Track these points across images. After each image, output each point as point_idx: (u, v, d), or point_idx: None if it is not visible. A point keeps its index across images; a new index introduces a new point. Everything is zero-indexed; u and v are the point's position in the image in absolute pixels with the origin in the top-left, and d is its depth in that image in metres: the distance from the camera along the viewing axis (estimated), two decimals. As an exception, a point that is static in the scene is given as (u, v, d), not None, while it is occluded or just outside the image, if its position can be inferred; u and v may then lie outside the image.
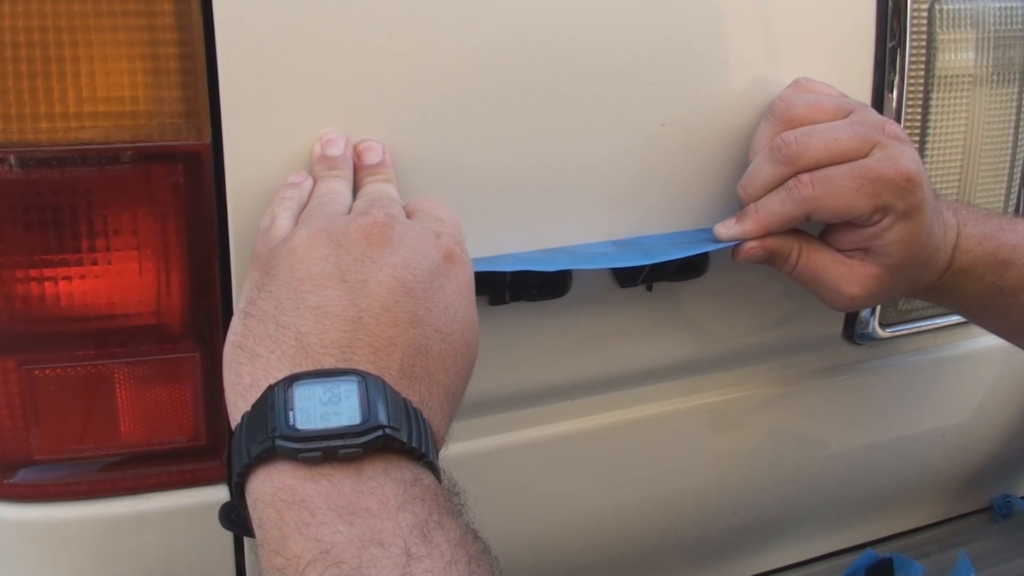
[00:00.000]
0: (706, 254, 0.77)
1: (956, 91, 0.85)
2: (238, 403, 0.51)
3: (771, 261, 0.73)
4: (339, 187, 0.61)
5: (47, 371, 0.63)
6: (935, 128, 0.86)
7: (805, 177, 0.69)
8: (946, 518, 1.09)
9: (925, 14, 0.82)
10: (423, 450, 0.49)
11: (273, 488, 0.46)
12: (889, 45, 0.81)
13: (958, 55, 0.84)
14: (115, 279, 0.62)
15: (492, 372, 0.73)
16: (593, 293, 0.76)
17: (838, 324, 0.89)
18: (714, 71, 0.74)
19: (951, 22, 0.83)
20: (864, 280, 0.71)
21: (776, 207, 0.70)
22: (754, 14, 0.75)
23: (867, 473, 0.99)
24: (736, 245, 0.72)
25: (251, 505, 0.48)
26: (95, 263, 0.61)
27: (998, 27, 0.85)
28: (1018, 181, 0.92)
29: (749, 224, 0.71)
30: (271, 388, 0.49)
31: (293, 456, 0.46)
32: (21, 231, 0.60)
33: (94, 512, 0.68)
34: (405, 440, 0.48)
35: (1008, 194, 0.92)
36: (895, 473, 1.01)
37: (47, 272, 0.61)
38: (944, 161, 0.87)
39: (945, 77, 0.84)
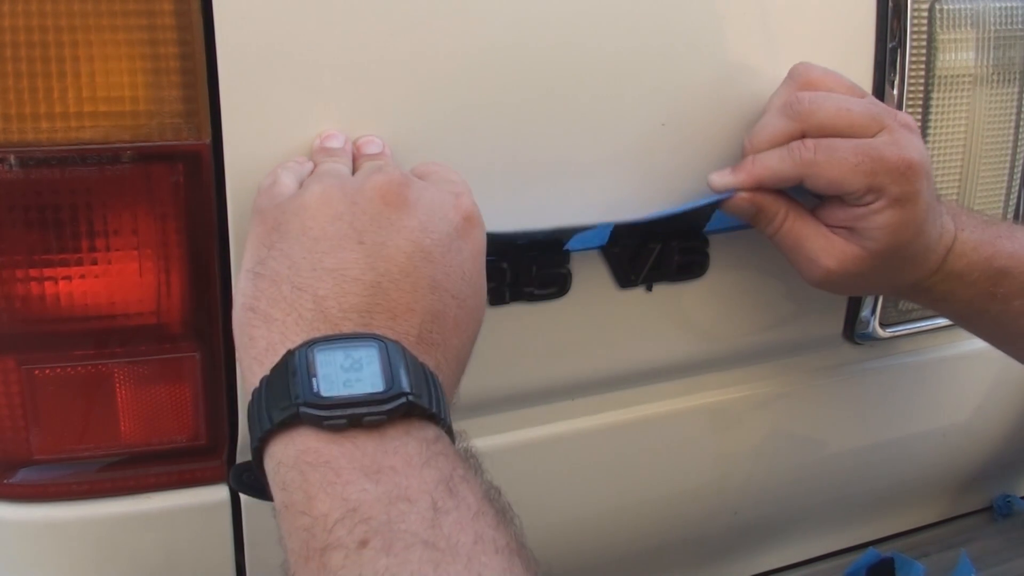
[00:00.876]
0: (706, 256, 0.78)
1: (956, 91, 0.85)
2: (253, 367, 0.50)
3: (757, 218, 0.73)
4: (340, 166, 0.60)
5: (47, 371, 0.63)
6: (935, 128, 0.86)
7: (810, 141, 0.69)
8: (946, 518, 1.10)
9: (925, 14, 0.82)
10: (442, 415, 0.49)
11: (296, 451, 0.46)
12: (889, 45, 0.81)
13: (958, 55, 0.84)
14: (115, 279, 0.62)
15: (492, 372, 0.73)
16: (593, 293, 0.76)
17: (838, 324, 0.89)
18: (714, 71, 0.74)
19: (951, 22, 0.83)
20: (842, 257, 0.71)
21: (774, 162, 0.70)
22: (754, 14, 0.75)
23: (867, 473, 0.99)
24: (727, 198, 0.72)
25: (273, 468, 0.48)
26: (95, 263, 0.61)
27: (998, 27, 0.85)
28: (1018, 181, 0.92)
29: (743, 174, 0.71)
30: (291, 353, 0.48)
31: (318, 423, 0.46)
32: (21, 231, 0.60)
33: (94, 512, 0.68)
34: (427, 406, 0.48)
35: (1008, 194, 0.92)
36: (895, 473, 1.01)
37: (47, 272, 0.61)
38: (944, 161, 0.87)
39: (945, 77, 0.84)
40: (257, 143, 0.62)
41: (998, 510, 1.11)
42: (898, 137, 0.69)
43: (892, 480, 1.01)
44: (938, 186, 0.87)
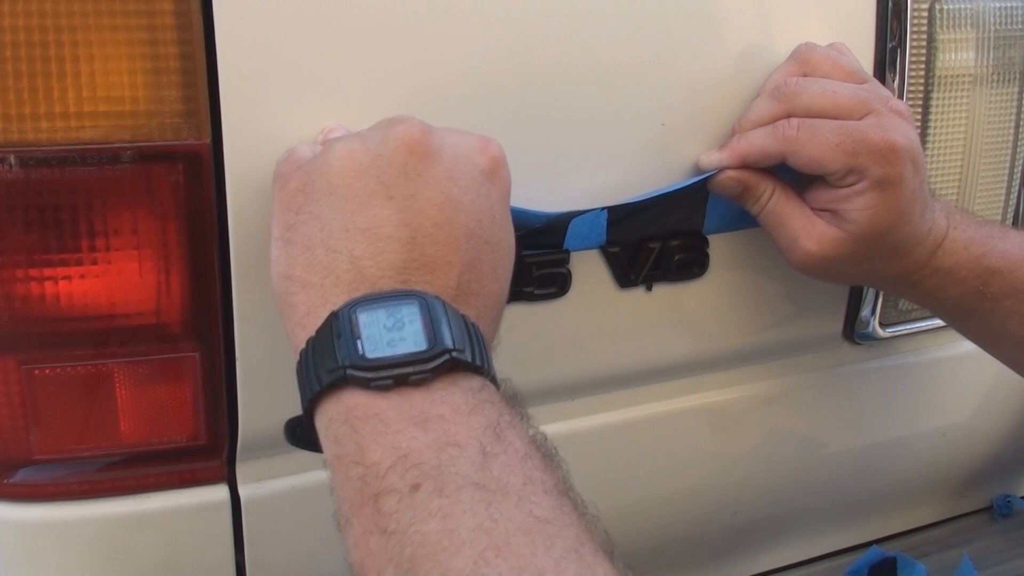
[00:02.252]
0: (706, 256, 0.78)
1: (956, 91, 0.85)
2: (297, 331, 0.51)
3: (744, 196, 0.73)
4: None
5: (47, 371, 0.63)
6: (935, 128, 0.86)
7: (794, 120, 0.70)
8: (946, 518, 1.10)
9: (925, 14, 0.82)
10: (486, 366, 0.49)
11: (346, 407, 0.47)
12: (889, 45, 0.81)
13: (958, 55, 0.84)
14: (115, 279, 0.62)
15: (492, 372, 0.73)
16: (593, 293, 0.76)
17: (838, 324, 0.89)
18: (714, 71, 0.74)
19: (951, 22, 0.83)
20: (822, 239, 0.71)
21: (757, 139, 0.71)
22: (754, 14, 0.75)
23: (867, 473, 0.99)
24: (714, 175, 0.73)
25: (324, 425, 0.49)
26: (95, 263, 0.61)
27: (998, 27, 0.85)
28: (1018, 181, 0.92)
29: (728, 152, 0.72)
30: (334, 315, 0.49)
31: (365, 384, 0.47)
32: (21, 231, 0.60)
33: (94, 512, 0.68)
34: (470, 360, 0.48)
35: (1008, 194, 0.92)
36: (895, 473, 1.01)
37: (47, 272, 0.61)
38: (944, 161, 0.87)
39: (945, 77, 0.84)
40: (257, 143, 0.62)
41: (998, 510, 1.11)
42: (885, 121, 0.69)
43: (892, 480, 1.01)
44: (938, 186, 0.87)
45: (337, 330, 0.48)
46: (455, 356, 0.48)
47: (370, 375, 0.47)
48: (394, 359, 0.47)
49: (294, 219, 0.53)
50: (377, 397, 0.47)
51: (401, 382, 0.47)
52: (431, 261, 0.51)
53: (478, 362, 0.49)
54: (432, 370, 0.47)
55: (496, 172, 0.55)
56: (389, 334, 0.47)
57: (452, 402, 0.47)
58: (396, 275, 0.50)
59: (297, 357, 0.50)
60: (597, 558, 0.43)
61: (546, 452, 0.48)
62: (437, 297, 0.49)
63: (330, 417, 0.48)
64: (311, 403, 0.49)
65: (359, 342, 0.47)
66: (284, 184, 0.55)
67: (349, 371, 0.47)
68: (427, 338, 0.47)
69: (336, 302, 0.49)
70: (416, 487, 0.44)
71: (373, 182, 0.52)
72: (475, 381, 0.49)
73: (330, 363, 0.48)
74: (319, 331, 0.49)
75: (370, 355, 0.47)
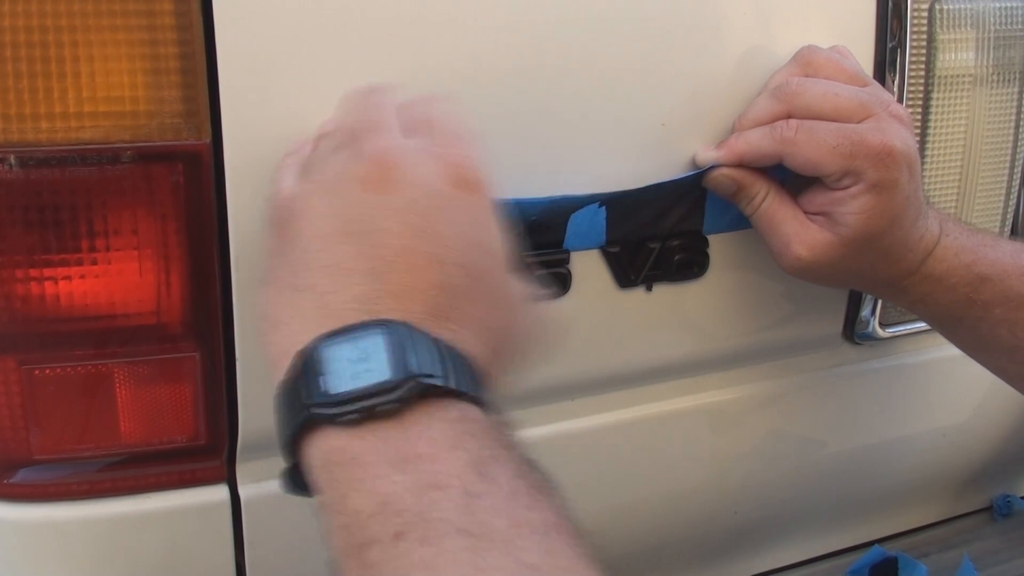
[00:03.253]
0: (706, 256, 0.78)
1: (956, 91, 0.85)
2: (274, 374, 0.50)
3: (737, 195, 0.73)
4: (327, 153, 0.57)
5: (47, 371, 0.63)
6: (935, 128, 0.86)
7: (793, 121, 0.70)
8: (946, 518, 1.10)
9: (925, 14, 0.82)
10: (462, 388, 0.48)
11: (323, 452, 0.46)
12: (889, 45, 0.81)
13: (958, 55, 0.84)
14: (115, 279, 0.62)
15: (492, 372, 0.73)
16: (593, 293, 0.76)
17: (838, 324, 0.89)
18: (714, 71, 0.74)
19: (951, 22, 0.83)
20: (813, 244, 0.71)
21: (754, 139, 0.71)
22: (753, 14, 0.75)
23: (867, 473, 0.99)
24: (709, 171, 0.73)
25: (308, 471, 0.48)
26: (95, 263, 0.61)
27: (998, 27, 0.85)
28: (1018, 181, 0.92)
29: (725, 150, 0.72)
30: (299, 354, 0.48)
31: (332, 421, 0.46)
32: (21, 231, 0.60)
33: (94, 512, 0.68)
34: (441, 383, 0.47)
35: (1008, 194, 0.92)
36: (895, 473, 1.01)
37: (47, 272, 0.61)
38: (944, 161, 0.87)
39: (945, 77, 0.84)
40: (257, 143, 0.62)
41: (998, 510, 1.11)
42: (884, 124, 0.69)
43: (892, 480, 1.01)
44: (938, 186, 0.87)
45: (300, 369, 0.47)
46: (423, 381, 0.46)
47: (335, 411, 0.46)
48: (358, 392, 0.46)
49: (272, 264, 0.53)
50: (352, 438, 0.46)
51: (369, 415, 0.46)
52: (395, 288, 0.50)
53: (451, 384, 0.47)
54: (399, 399, 0.46)
55: (464, 196, 0.53)
56: (354, 367, 0.46)
57: (430, 437, 0.46)
58: (360, 306, 0.49)
59: (275, 408, 0.50)
60: None
61: (535, 484, 0.46)
62: (405, 322, 0.48)
63: (310, 464, 0.47)
64: (291, 449, 0.48)
65: (321, 379, 0.46)
66: (271, 233, 0.56)
67: (313, 410, 0.46)
68: (392, 367, 0.46)
69: (303, 340, 0.48)
70: (399, 536, 0.43)
71: (335, 222, 0.51)
72: (453, 411, 0.47)
73: (296, 405, 0.47)
74: (287, 373, 0.48)
75: (333, 391, 0.46)
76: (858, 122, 0.69)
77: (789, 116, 0.70)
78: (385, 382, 0.46)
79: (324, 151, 0.56)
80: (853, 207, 0.69)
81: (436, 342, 0.48)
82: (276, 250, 0.54)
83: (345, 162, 0.53)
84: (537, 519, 0.44)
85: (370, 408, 0.46)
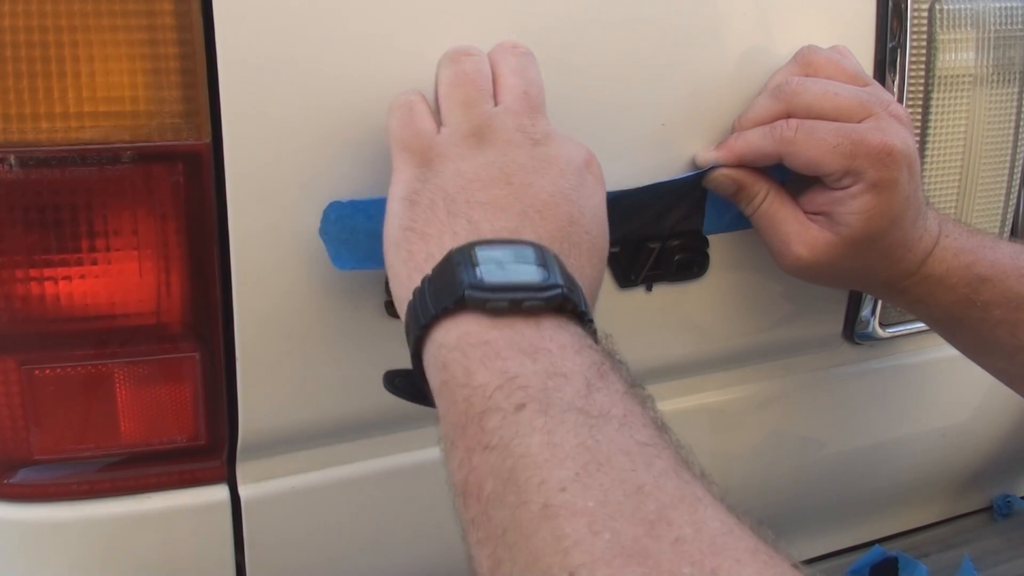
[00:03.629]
0: (706, 257, 0.78)
1: (956, 91, 0.85)
2: (413, 275, 0.54)
3: (737, 195, 0.74)
4: (479, 66, 0.62)
5: (47, 371, 0.63)
6: (935, 128, 0.86)
7: (793, 121, 0.70)
8: (946, 518, 1.10)
9: (925, 14, 0.82)
10: (590, 317, 0.52)
11: (458, 334, 0.50)
12: (889, 45, 0.81)
13: (958, 55, 0.84)
14: (115, 279, 0.62)
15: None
16: (593, 293, 0.76)
17: (838, 324, 0.89)
18: (714, 71, 0.74)
19: (951, 22, 0.83)
20: (814, 244, 0.71)
21: (755, 139, 0.72)
22: (753, 14, 0.75)
23: (867, 473, 0.99)
24: (710, 172, 0.73)
25: (434, 352, 0.51)
26: (95, 263, 0.61)
27: (998, 27, 0.85)
28: (1018, 181, 0.92)
29: (725, 150, 0.73)
30: (455, 250, 0.52)
31: (481, 305, 0.49)
32: (21, 231, 0.60)
33: (94, 512, 0.68)
34: (578, 303, 0.51)
35: (1008, 194, 0.92)
36: (895, 473, 1.01)
37: (47, 272, 0.61)
38: (944, 161, 0.87)
39: (945, 77, 0.84)
40: (257, 143, 0.62)
41: (998, 510, 1.11)
42: (884, 124, 0.69)
43: (892, 480, 1.01)
44: (938, 187, 0.87)
45: (457, 260, 0.51)
46: (566, 293, 0.50)
47: (488, 295, 0.49)
48: (511, 284, 0.50)
49: (420, 187, 0.57)
50: (491, 327, 0.49)
51: (515, 307, 0.49)
52: (538, 231, 0.55)
53: (583, 308, 0.52)
54: (545, 299, 0.50)
55: (598, 181, 0.61)
56: (505, 268, 0.51)
57: (560, 340, 0.49)
58: (508, 233, 0.54)
59: (410, 300, 0.53)
60: (695, 480, 0.46)
61: (643, 398, 0.50)
62: (548, 248, 0.53)
63: (440, 344, 0.50)
64: (424, 330, 0.51)
65: (477, 269, 0.50)
66: (410, 156, 0.59)
67: (468, 291, 0.49)
68: (541, 273, 0.51)
69: (455, 245, 0.53)
70: (521, 406, 0.46)
71: (496, 171, 0.57)
72: (579, 328, 0.51)
73: (449, 288, 0.50)
74: (437, 267, 0.52)
75: (488, 280, 0.50)
76: (858, 122, 0.69)
77: (789, 116, 0.71)
78: (535, 283, 0.50)
79: (482, 108, 0.60)
80: (853, 207, 0.69)
81: (572, 276, 0.53)
82: (423, 176, 0.57)
83: (514, 130, 0.59)
84: (648, 417, 0.48)
85: (518, 301, 0.49)
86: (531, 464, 0.44)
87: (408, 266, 0.55)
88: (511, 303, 0.49)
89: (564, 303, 0.50)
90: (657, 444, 0.46)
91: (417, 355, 0.53)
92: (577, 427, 0.45)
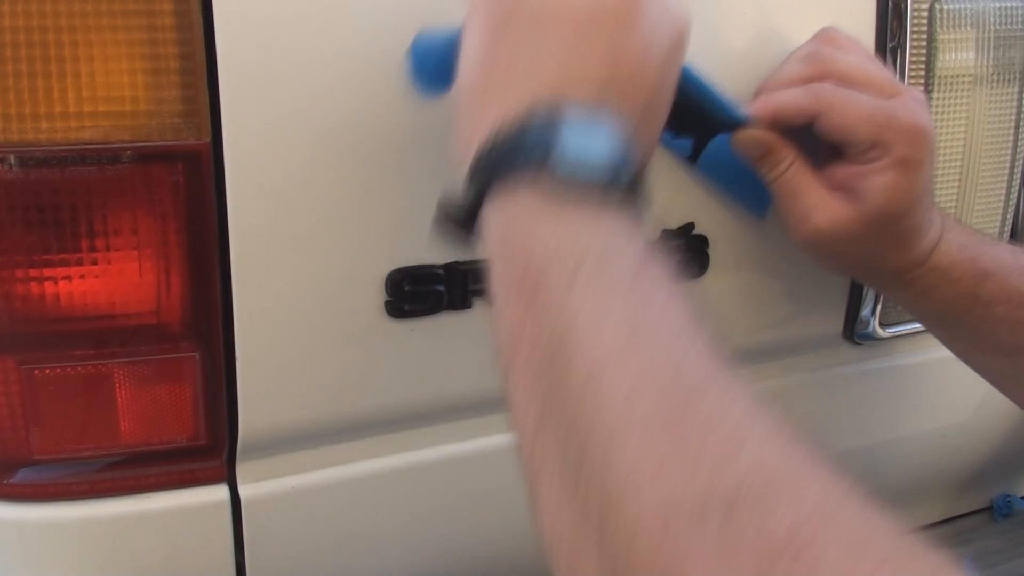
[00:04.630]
0: (706, 257, 0.78)
1: (956, 91, 0.85)
2: (486, 131, 0.53)
3: (763, 159, 0.72)
4: None
5: (47, 371, 0.63)
6: (935, 128, 0.85)
7: (831, 83, 0.69)
8: (946, 518, 1.10)
9: (925, 14, 0.82)
10: (649, 201, 0.53)
11: (523, 196, 0.50)
12: (889, 45, 0.81)
13: (958, 55, 0.84)
14: (115, 279, 0.62)
15: (490, 373, 0.72)
16: (593, 293, 0.75)
17: (838, 324, 0.89)
18: (713, 71, 0.74)
19: (951, 22, 0.83)
20: (834, 216, 0.70)
21: (792, 95, 0.70)
22: (753, 14, 0.75)
23: (867, 473, 0.99)
24: (744, 120, 0.71)
25: (497, 210, 0.51)
26: (95, 263, 0.61)
27: (998, 27, 0.85)
28: (1018, 181, 0.92)
29: (760, 104, 0.71)
30: (532, 113, 0.51)
31: (552, 171, 0.50)
32: (21, 231, 0.60)
33: (94, 512, 0.68)
34: (642, 191, 0.52)
35: (1008, 194, 0.92)
36: (895, 473, 1.01)
37: (47, 272, 0.61)
38: (944, 161, 0.87)
39: (945, 77, 0.84)
40: (257, 143, 0.62)
41: (998, 510, 1.11)
42: (912, 105, 0.69)
43: (892, 480, 1.01)
44: (938, 186, 0.87)
45: (535, 122, 0.51)
46: (637, 181, 0.51)
47: (559, 164, 0.49)
48: (585, 158, 0.50)
49: (496, 44, 0.56)
50: (559, 195, 0.50)
51: (586, 180, 0.50)
52: (624, 88, 0.54)
53: (645, 195, 0.53)
54: (612, 181, 0.50)
55: (682, 45, 0.59)
56: (582, 139, 0.50)
57: (616, 224, 0.50)
58: (591, 95, 0.53)
59: (477, 154, 0.52)
60: (727, 366, 0.50)
61: (686, 286, 0.52)
62: (629, 122, 0.53)
63: (506, 201, 0.51)
64: (486, 186, 0.51)
65: (556, 138, 0.50)
66: (489, 13, 0.57)
67: (540, 156, 0.50)
68: (618, 154, 0.51)
69: (541, 96, 0.52)
70: (578, 269, 0.47)
71: (584, 29, 0.56)
72: (638, 212, 0.52)
73: (522, 149, 0.50)
74: (513, 123, 0.51)
75: (560, 151, 0.50)
76: (887, 99, 0.69)
77: (823, 79, 0.70)
78: (610, 162, 0.51)
79: None
80: (877, 182, 0.69)
81: (640, 171, 0.53)
82: (500, 34, 0.56)
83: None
84: (691, 303, 0.50)
85: (590, 175, 0.50)
86: (582, 325, 0.46)
87: (481, 123, 0.54)
88: (581, 176, 0.50)
89: (635, 185, 0.52)
90: (698, 328, 0.50)
91: (478, 201, 0.52)
92: (627, 300, 0.47)
